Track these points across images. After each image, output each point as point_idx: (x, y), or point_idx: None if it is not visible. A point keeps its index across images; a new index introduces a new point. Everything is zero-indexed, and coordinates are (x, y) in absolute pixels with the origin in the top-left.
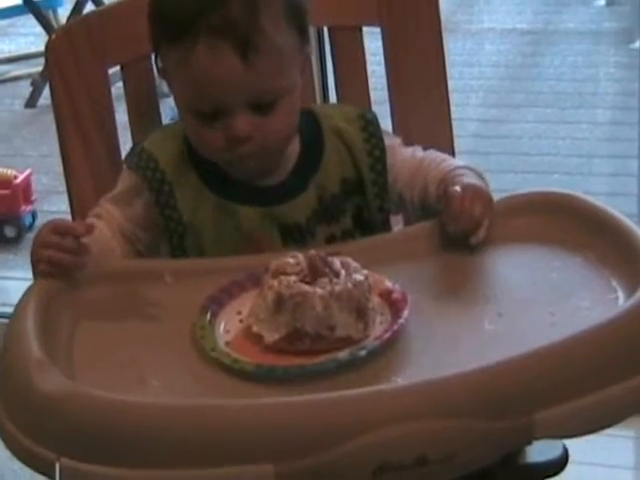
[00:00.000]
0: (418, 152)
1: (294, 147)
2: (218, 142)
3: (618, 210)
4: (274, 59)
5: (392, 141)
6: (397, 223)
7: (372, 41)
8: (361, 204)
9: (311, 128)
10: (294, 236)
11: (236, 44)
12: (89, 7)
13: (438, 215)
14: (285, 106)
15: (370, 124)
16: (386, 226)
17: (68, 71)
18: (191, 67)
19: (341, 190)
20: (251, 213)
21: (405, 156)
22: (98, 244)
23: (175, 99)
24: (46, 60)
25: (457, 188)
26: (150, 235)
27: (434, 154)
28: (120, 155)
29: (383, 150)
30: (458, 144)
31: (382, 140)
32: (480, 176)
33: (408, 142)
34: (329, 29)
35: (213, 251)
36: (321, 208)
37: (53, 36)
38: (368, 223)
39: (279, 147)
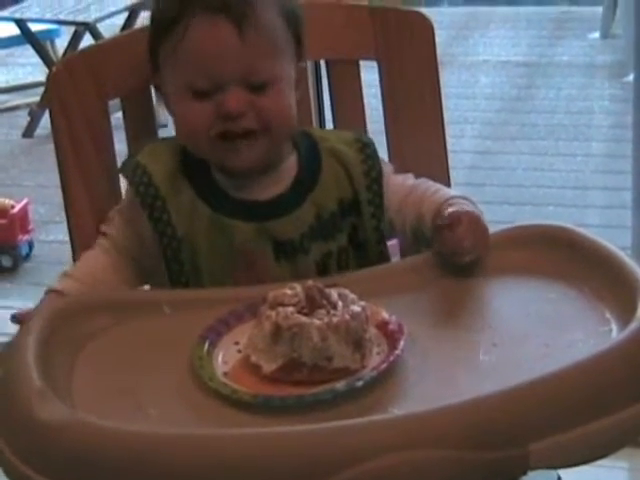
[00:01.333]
0: (409, 180)
1: (291, 164)
2: (206, 118)
3: (612, 242)
4: (268, 40)
5: (386, 168)
6: (395, 251)
7: (369, 73)
8: (357, 223)
9: (308, 148)
10: (287, 252)
11: (232, 18)
12: (87, 38)
13: (431, 243)
14: (278, 92)
15: (367, 147)
16: (382, 246)
17: (68, 103)
18: (187, 42)
19: (339, 209)
20: (245, 228)
21: (396, 184)
22: (91, 276)
23: (168, 97)
24: (47, 91)
25: (448, 211)
26: (146, 249)
27: (427, 183)
28: (119, 184)
29: (380, 172)
30: (453, 175)
31: (379, 162)
32: (475, 206)
33: (404, 172)
34: (326, 62)
35: (207, 265)
36: (319, 225)
37: (54, 68)
38: (364, 242)
39: (278, 132)
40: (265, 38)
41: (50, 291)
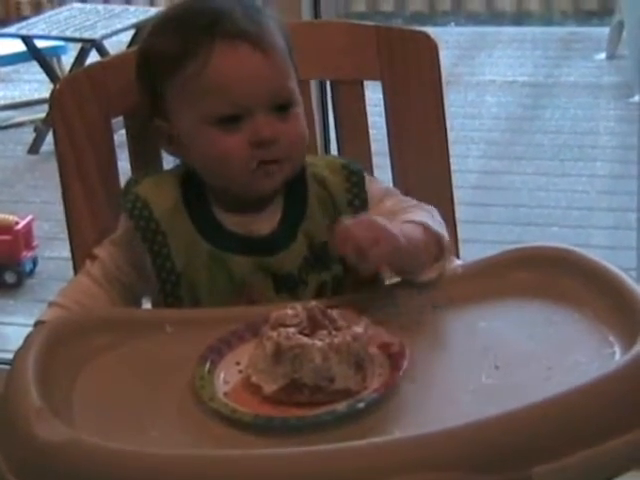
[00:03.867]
0: (396, 204)
1: (278, 195)
2: (242, 149)
3: (617, 264)
4: (284, 61)
5: (374, 193)
6: None
7: (373, 92)
8: None
9: (295, 176)
10: (287, 286)
11: (252, 42)
12: (93, 55)
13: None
14: (297, 115)
15: (354, 174)
16: (375, 273)
17: (72, 120)
18: (211, 72)
19: (329, 237)
20: (244, 263)
21: (377, 211)
22: (80, 306)
23: (176, 134)
24: (50, 109)
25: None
26: (140, 277)
27: (405, 211)
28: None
29: (365, 201)
30: (458, 195)
31: (365, 191)
32: (437, 238)
33: (407, 192)
34: (330, 83)
35: (206, 300)
36: (311, 256)
37: (57, 86)
38: (355, 271)
39: (297, 159)
40: (282, 60)
41: (39, 322)
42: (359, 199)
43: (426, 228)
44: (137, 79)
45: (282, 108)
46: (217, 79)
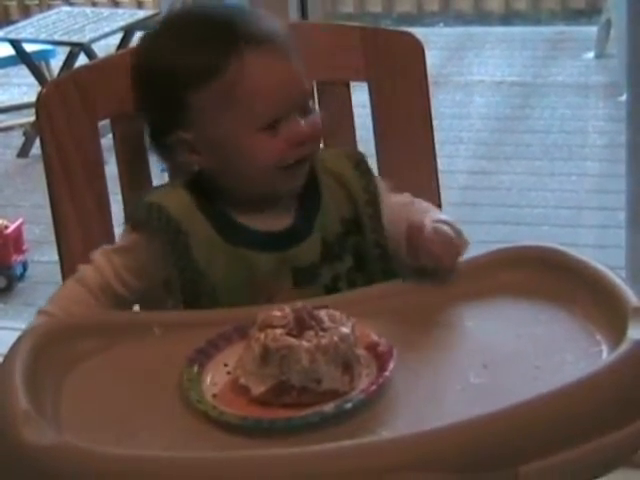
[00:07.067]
0: (404, 199)
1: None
2: (283, 151)
3: (606, 262)
4: (300, 61)
5: (380, 183)
6: None
7: (360, 93)
8: (359, 240)
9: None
10: (307, 279)
11: (278, 46)
12: (82, 58)
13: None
14: (316, 115)
15: (361, 162)
16: (385, 262)
17: (58, 124)
18: (246, 82)
19: (342, 229)
20: (264, 259)
21: (390, 201)
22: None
23: (203, 145)
24: (36, 113)
25: (420, 225)
26: (144, 285)
27: (420, 204)
28: (109, 206)
29: (376, 186)
30: (447, 196)
31: (373, 176)
32: (459, 233)
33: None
34: (317, 83)
35: (225, 298)
36: (325, 248)
37: (43, 90)
38: (367, 260)
39: (311, 159)
40: (299, 60)
41: None
42: (372, 184)
43: (451, 225)
44: (145, 94)
45: (309, 110)
46: (254, 88)
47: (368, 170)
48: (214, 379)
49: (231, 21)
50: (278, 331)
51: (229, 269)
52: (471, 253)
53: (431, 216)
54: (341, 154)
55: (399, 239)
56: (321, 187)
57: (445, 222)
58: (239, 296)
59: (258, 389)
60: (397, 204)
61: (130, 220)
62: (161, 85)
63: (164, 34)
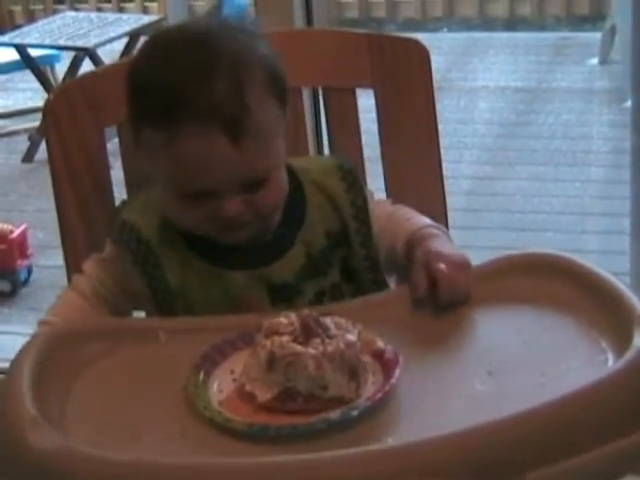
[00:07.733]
0: (387, 206)
1: None
2: (203, 222)
3: (611, 268)
4: (262, 140)
5: (367, 194)
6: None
7: (366, 99)
8: (347, 255)
9: (291, 184)
10: (283, 296)
11: (225, 128)
12: (86, 63)
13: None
14: (274, 181)
15: (349, 174)
16: (375, 274)
17: (65, 130)
18: (178, 152)
19: (328, 243)
20: (239, 277)
21: (377, 211)
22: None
23: (153, 173)
24: (43, 119)
25: (441, 266)
26: (127, 295)
27: (403, 210)
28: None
29: (365, 198)
30: (452, 201)
31: (362, 189)
32: (446, 234)
33: (400, 198)
34: (323, 90)
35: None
36: (310, 263)
37: (50, 96)
38: (355, 274)
39: (271, 217)
40: (261, 138)
41: None
42: (360, 197)
43: (440, 230)
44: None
45: (254, 185)
46: (183, 159)
47: (356, 182)
48: (220, 386)
49: (195, 82)
50: (284, 338)
51: (203, 288)
52: (475, 259)
53: (417, 222)
54: (329, 165)
55: (385, 252)
56: (306, 200)
57: (436, 227)
58: (216, 314)
59: (264, 396)
60: (383, 213)
61: (109, 233)
62: (130, 104)
63: (144, 56)
